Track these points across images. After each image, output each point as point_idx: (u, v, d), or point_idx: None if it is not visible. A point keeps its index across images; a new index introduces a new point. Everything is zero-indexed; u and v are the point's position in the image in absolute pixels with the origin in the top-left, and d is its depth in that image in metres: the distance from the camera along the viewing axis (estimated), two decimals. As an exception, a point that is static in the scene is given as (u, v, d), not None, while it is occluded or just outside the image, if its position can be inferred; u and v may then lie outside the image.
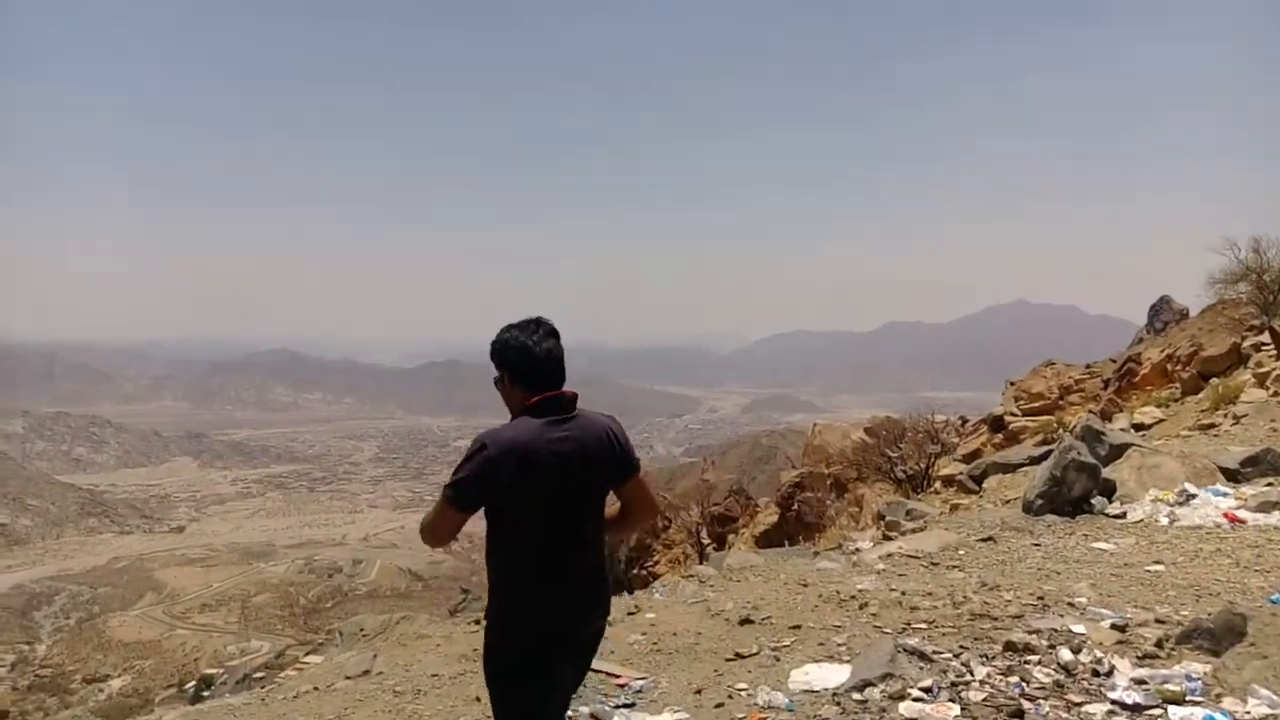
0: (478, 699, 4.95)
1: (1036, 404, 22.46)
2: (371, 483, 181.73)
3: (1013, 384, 24.96)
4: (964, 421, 26.27)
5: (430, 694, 5.30)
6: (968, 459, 18.77)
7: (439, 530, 2.74)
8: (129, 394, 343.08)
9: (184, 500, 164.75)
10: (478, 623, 6.95)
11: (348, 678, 5.99)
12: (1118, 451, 9.24)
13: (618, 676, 4.94)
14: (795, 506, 23.03)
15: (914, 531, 8.33)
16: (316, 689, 5.89)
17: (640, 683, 4.79)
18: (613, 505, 3.01)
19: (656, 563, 25.38)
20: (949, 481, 16.07)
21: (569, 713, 3.43)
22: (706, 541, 24.84)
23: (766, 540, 21.49)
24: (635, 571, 24.79)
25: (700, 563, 22.37)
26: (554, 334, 2.94)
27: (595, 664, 5.15)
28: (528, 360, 2.85)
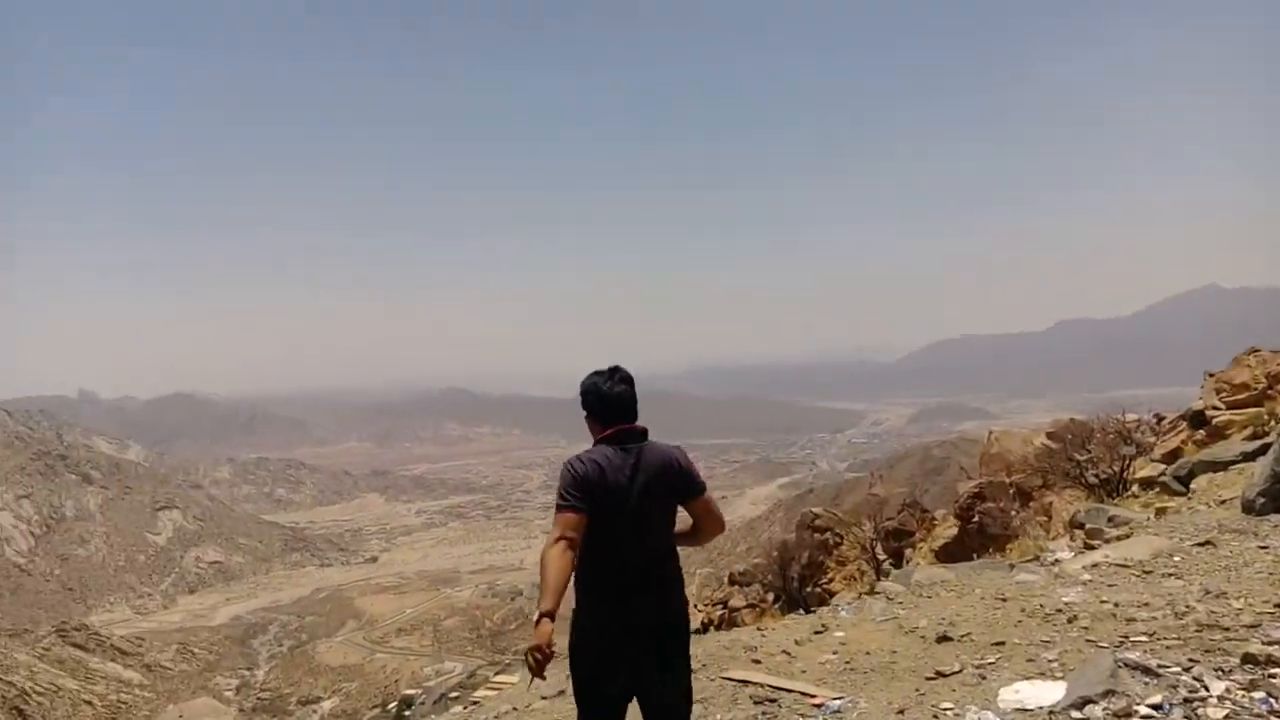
0: None
1: (1241, 395, 20.71)
2: (543, 509, 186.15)
3: (1212, 376, 23.19)
4: (1159, 419, 24.55)
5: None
6: (1166, 459, 17.51)
7: (562, 536, 3.34)
8: (320, 438, 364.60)
9: (374, 533, 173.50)
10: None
11: (544, 698, 6.08)
12: (1347, 442, 8.37)
13: (813, 696, 4.79)
14: (976, 518, 22.03)
15: (1119, 539, 7.76)
16: (515, 709, 6.02)
17: (837, 703, 4.62)
18: (685, 521, 3.70)
19: (831, 580, 24.80)
20: (1148, 484, 15.00)
21: None
22: (882, 557, 24.12)
23: (947, 554, 20.66)
24: (809, 589, 24.31)
25: (877, 579, 21.75)
26: (627, 380, 3.70)
27: (788, 684, 5.04)
28: (602, 401, 3.63)
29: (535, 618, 3.25)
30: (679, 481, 3.56)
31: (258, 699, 78.05)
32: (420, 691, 59.07)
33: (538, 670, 3.17)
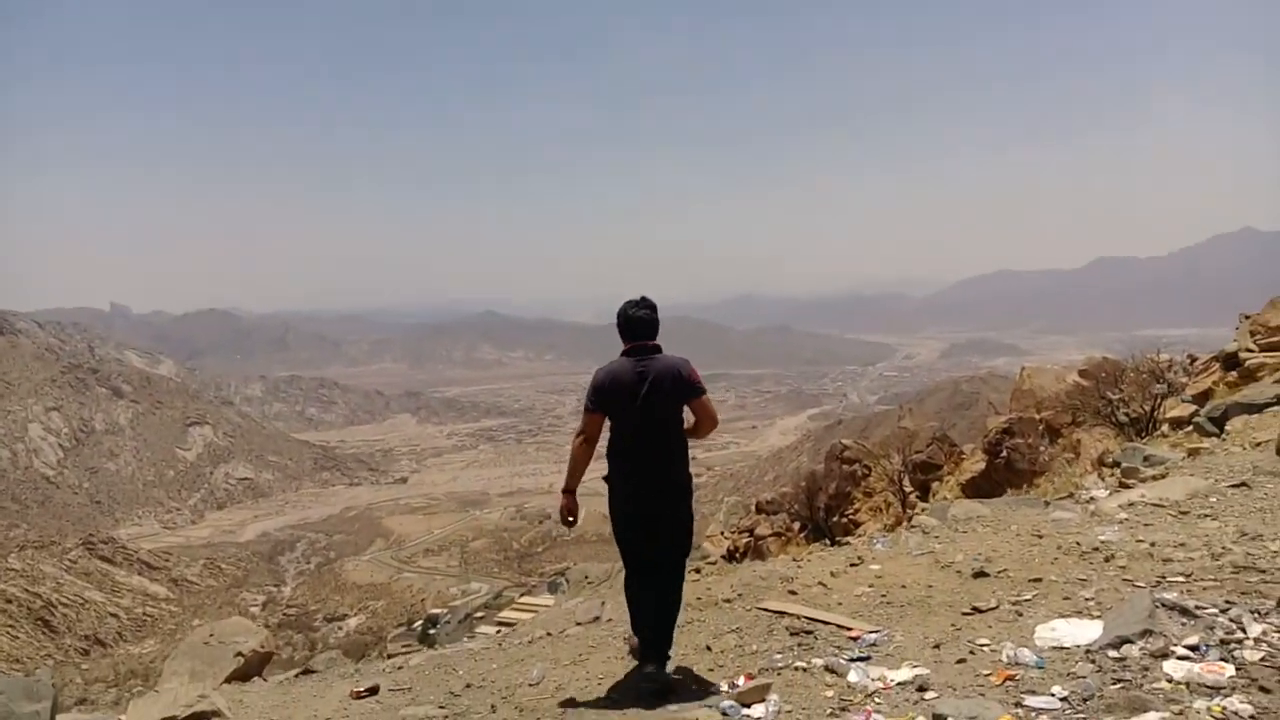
0: (708, 648, 5.00)
1: (1276, 338, 20.41)
2: (574, 434, 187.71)
3: (1248, 318, 22.81)
4: (1192, 360, 24.25)
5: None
6: (1198, 400, 17.35)
7: (584, 430, 4.68)
8: (353, 357, 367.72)
9: (405, 454, 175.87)
10: (697, 571, 7.06)
11: (579, 624, 6.20)
12: (1392, 387, 8.25)
13: (849, 629, 4.86)
14: (1004, 453, 22.02)
15: (1155, 478, 7.74)
16: (549, 635, 6.12)
17: (873, 636, 4.70)
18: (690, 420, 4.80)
19: (857, 511, 24.93)
20: (1178, 424, 14.89)
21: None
22: (909, 490, 24.19)
23: (974, 488, 20.69)
24: (835, 519, 24.48)
25: (904, 511, 21.86)
26: (650, 306, 4.78)
27: (824, 615, 5.14)
28: (627, 322, 4.74)
29: (560, 491, 4.91)
30: (681, 385, 4.64)
31: (284, 615, 79.94)
32: (445, 611, 60.45)
33: (568, 524, 4.97)
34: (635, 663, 4.82)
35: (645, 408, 4.57)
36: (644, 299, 4.78)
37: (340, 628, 75.06)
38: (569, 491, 4.80)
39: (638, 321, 4.70)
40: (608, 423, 4.70)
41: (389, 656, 10.54)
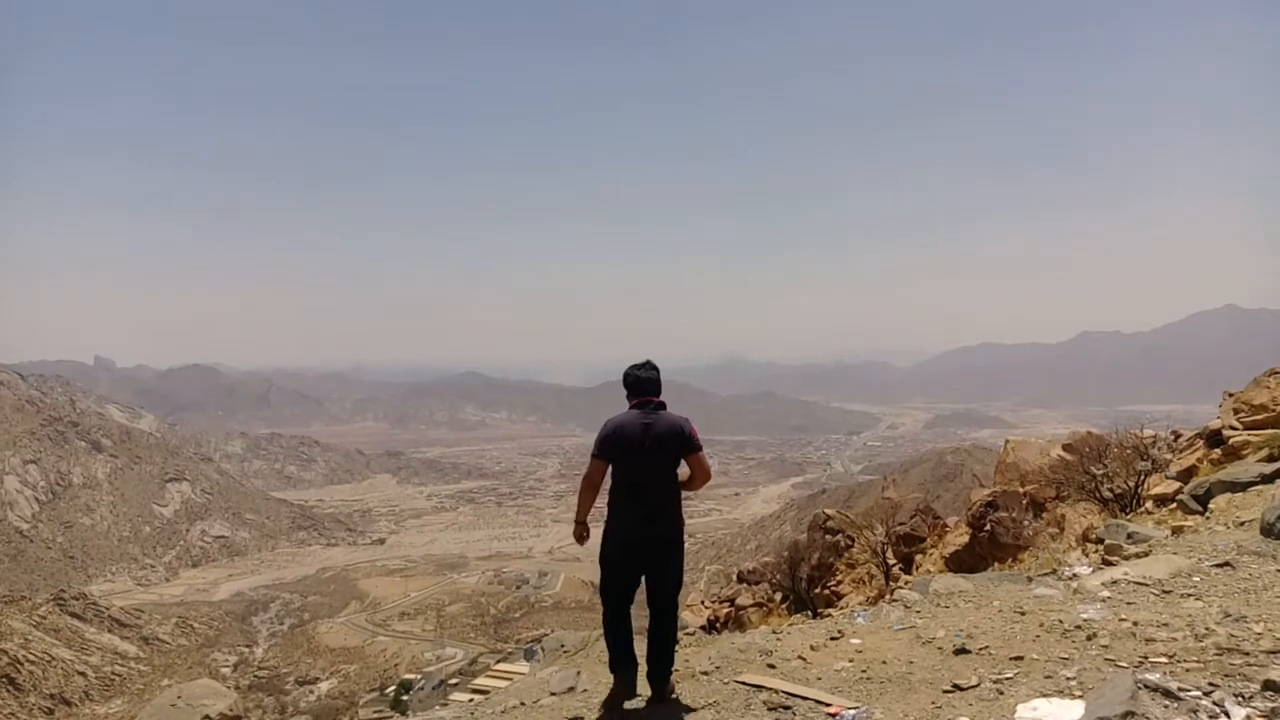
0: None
1: (1259, 416, 20.51)
2: (555, 498, 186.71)
3: (1231, 395, 22.97)
4: (1176, 436, 24.36)
5: (636, 712, 5.29)
6: (1181, 476, 17.37)
7: (589, 476, 5.24)
8: (335, 416, 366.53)
9: (384, 514, 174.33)
10: (676, 642, 6.92)
11: (553, 694, 6.05)
12: (1372, 469, 8.27)
13: (828, 705, 4.76)
14: (988, 526, 21.95)
15: (1138, 556, 7.69)
16: (523, 704, 5.97)
17: (852, 712, 4.60)
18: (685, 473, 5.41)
19: (840, 582, 24.75)
20: (1162, 501, 14.89)
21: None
22: (892, 562, 24.03)
23: (957, 561, 20.59)
24: (817, 590, 24.26)
25: (886, 583, 21.67)
26: (654, 368, 5.47)
27: (802, 690, 5.04)
28: (635, 382, 5.38)
29: (575, 520, 5.54)
30: (681, 439, 5.23)
31: (255, 677, 78.42)
32: (420, 677, 59.34)
33: (581, 541, 5.56)
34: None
35: (647, 456, 5.17)
36: (648, 362, 5.47)
37: (312, 691, 73.54)
38: (580, 521, 5.50)
39: (645, 381, 5.36)
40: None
41: (358, 724, 10.28)
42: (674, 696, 5.24)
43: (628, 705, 5.28)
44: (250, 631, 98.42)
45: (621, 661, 5.35)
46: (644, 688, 5.40)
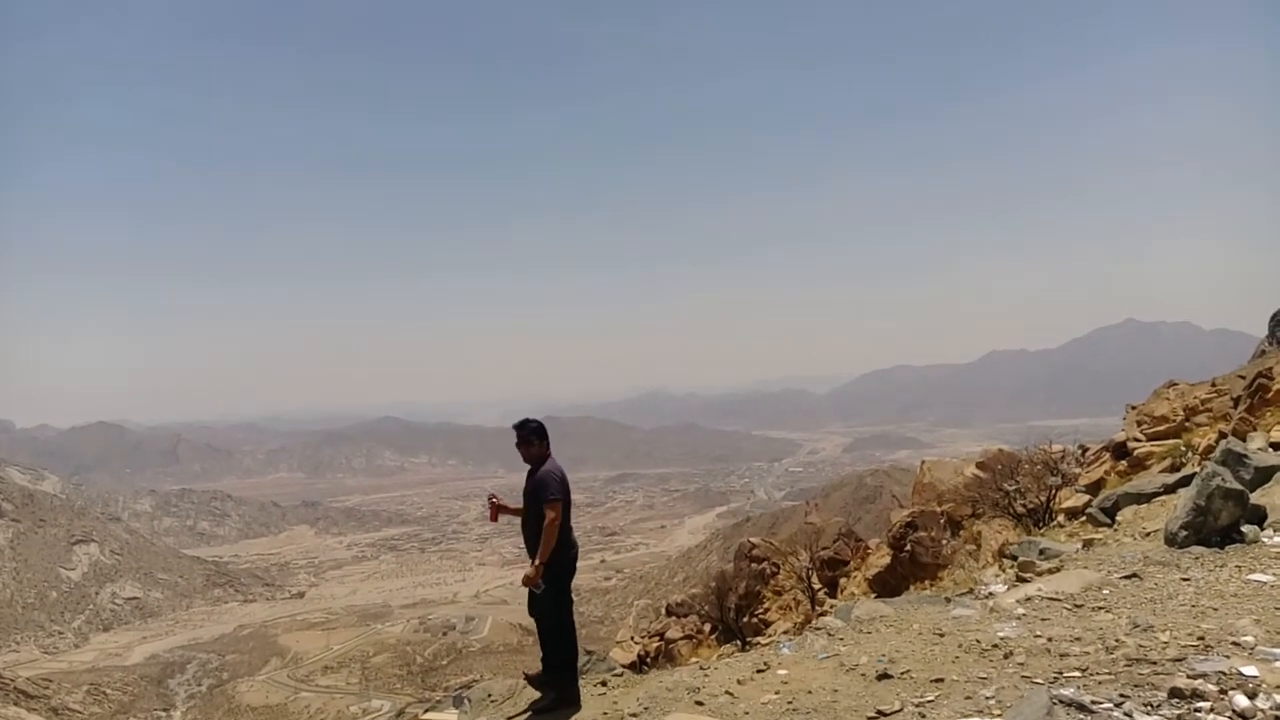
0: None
1: (1161, 427, 21.36)
2: (479, 540, 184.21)
3: (1134, 408, 23.85)
4: (1083, 450, 25.18)
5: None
6: (1091, 489, 17.97)
7: (556, 515, 6.10)
8: (247, 468, 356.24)
9: (303, 567, 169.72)
10: (604, 684, 6.86)
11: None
12: (1264, 475, 8.67)
13: (756, 739, 4.76)
14: (908, 547, 22.35)
15: (1050, 571, 7.91)
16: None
17: (780, 745, 4.61)
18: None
19: (767, 610, 24.91)
20: (1073, 514, 15.38)
21: None
22: (817, 586, 24.27)
23: (880, 583, 20.90)
24: (746, 619, 24.35)
25: (812, 609, 21.84)
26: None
27: (730, 726, 5.01)
28: (548, 434, 6.53)
29: (535, 564, 6.12)
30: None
31: (173, 743, 75.31)
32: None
33: (536, 588, 6.21)
34: None
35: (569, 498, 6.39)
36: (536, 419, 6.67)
37: (232, 756, 70.73)
38: (543, 564, 6.11)
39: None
40: None
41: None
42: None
43: None
44: (167, 695, 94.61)
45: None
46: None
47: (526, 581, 6.13)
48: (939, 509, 23.68)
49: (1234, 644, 5.04)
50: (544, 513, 6.08)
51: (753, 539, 28.37)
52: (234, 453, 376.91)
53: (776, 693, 5.54)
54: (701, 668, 6.94)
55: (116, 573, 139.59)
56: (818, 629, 7.23)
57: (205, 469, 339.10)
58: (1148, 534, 9.50)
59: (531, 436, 6.38)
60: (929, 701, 4.88)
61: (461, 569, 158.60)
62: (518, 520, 6.48)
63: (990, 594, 7.58)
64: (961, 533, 21.60)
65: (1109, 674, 4.83)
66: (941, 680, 5.20)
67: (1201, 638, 5.23)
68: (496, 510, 6.68)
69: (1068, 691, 4.43)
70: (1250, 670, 4.48)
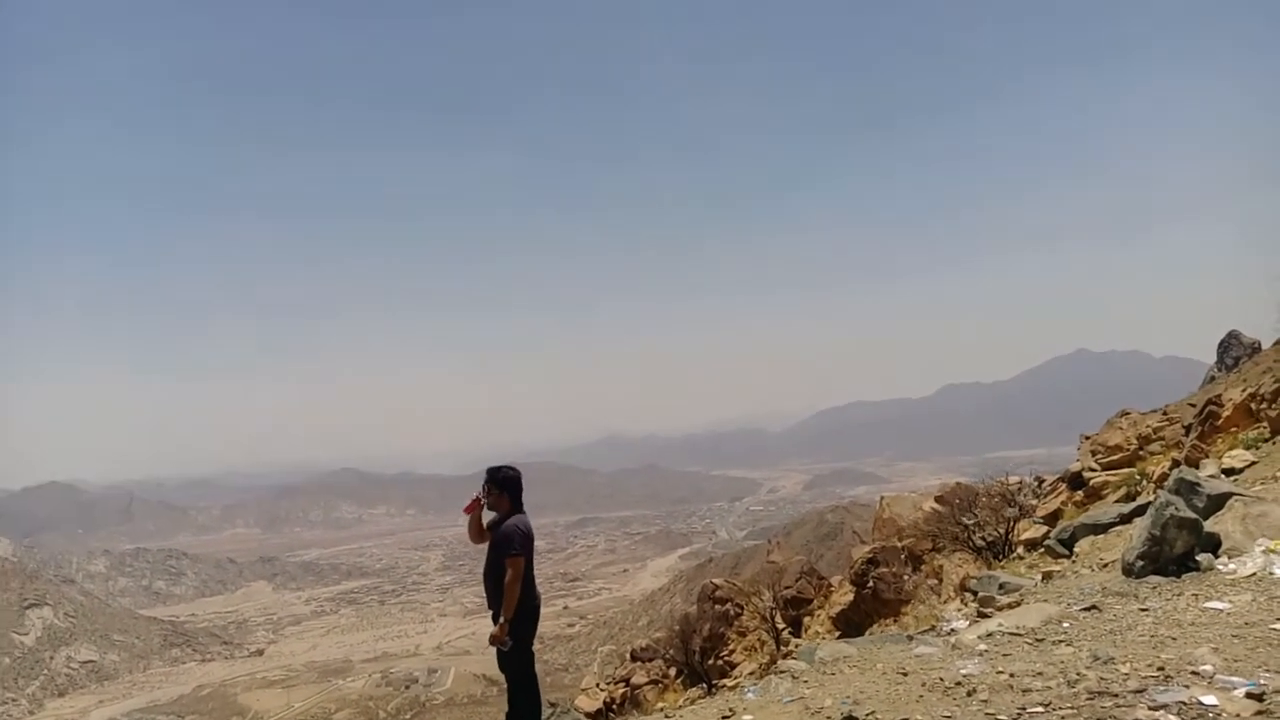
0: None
1: (1115, 457, 21.65)
2: (440, 591, 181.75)
3: (1088, 438, 24.17)
4: (1040, 481, 25.45)
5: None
6: (1048, 520, 18.13)
7: (519, 572, 6.23)
8: (203, 525, 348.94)
9: (261, 624, 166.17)
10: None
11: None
12: (1217, 502, 8.78)
13: (721, 790, 4.68)
14: (870, 583, 22.36)
15: (1010, 606, 7.92)
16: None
17: (746, 795, 4.53)
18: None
19: (732, 651, 24.75)
20: (1032, 545, 15.49)
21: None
22: (781, 626, 24.17)
23: (844, 620, 20.86)
24: (711, 662, 24.17)
25: (777, 648, 21.71)
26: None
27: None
28: (520, 485, 6.60)
29: (500, 622, 6.28)
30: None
31: (133, 810, 72.91)
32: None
33: (504, 646, 6.40)
34: None
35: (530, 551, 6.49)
36: (514, 466, 6.84)
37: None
38: (509, 621, 6.24)
39: (521, 488, 6.58)
40: None
41: None
42: None
43: None
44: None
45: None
46: None
47: (493, 641, 6.22)
48: (900, 544, 23.73)
49: (1193, 673, 5.06)
50: (504, 567, 6.14)
51: (715, 580, 28.23)
52: (189, 509, 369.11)
53: (742, 740, 5.46)
54: (667, 715, 6.85)
55: (71, 636, 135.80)
56: (782, 671, 7.15)
57: (159, 527, 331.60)
58: (1105, 564, 9.57)
59: (494, 488, 6.46)
60: (894, 744, 4.82)
61: (423, 620, 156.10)
62: (480, 569, 6.70)
63: (952, 630, 7.57)
64: (923, 567, 21.66)
65: (1071, 708, 4.81)
66: (906, 721, 5.15)
67: (1161, 668, 5.24)
68: (476, 507, 6.58)
69: (1032, 728, 4.40)
70: (1210, 699, 4.50)
